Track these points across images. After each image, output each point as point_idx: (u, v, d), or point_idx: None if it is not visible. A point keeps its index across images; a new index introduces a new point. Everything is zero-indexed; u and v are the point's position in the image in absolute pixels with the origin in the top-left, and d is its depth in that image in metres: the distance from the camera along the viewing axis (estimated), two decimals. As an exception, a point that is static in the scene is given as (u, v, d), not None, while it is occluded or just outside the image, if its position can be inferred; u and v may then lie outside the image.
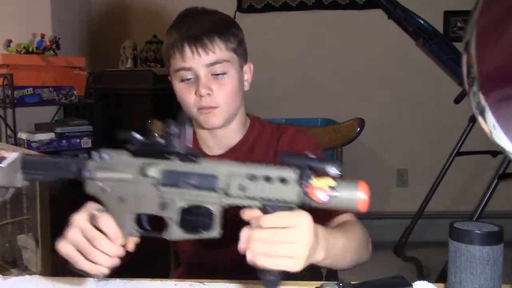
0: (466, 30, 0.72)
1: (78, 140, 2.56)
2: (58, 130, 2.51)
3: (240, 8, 3.31)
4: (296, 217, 0.71)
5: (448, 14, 3.27)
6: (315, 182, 0.70)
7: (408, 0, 3.09)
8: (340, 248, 0.84)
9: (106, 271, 0.78)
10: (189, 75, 1.10)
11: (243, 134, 1.19)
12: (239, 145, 1.18)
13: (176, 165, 0.75)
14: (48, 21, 2.77)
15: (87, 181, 0.77)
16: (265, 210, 0.72)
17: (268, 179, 0.71)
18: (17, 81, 2.35)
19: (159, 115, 2.76)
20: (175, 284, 0.95)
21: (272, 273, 0.72)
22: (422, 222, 3.14)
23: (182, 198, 0.75)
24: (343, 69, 3.35)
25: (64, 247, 0.78)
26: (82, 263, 0.78)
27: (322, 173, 0.70)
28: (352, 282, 0.84)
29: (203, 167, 0.75)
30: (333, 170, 0.69)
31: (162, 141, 0.75)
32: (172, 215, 0.76)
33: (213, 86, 1.09)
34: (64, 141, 2.51)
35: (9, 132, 2.43)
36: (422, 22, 3.03)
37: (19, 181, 0.79)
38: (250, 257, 0.71)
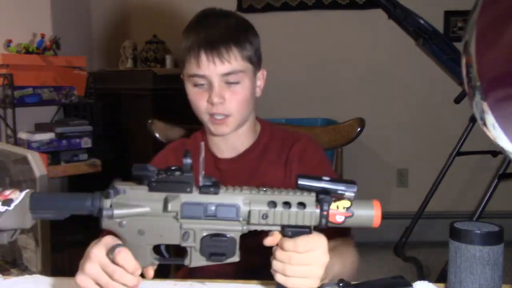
0: (466, 30, 0.72)
1: (78, 140, 2.55)
2: (58, 130, 2.51)
3: (240, 8, 3.31)
4: (314, 241, 0.76)
5: (448, 14, 3.27)
6: (333, 205, 0.74)
7: (408, 0, 3.09)
8: (336, 271, 0.91)
9: None
10: (202, 81, 1.10)
11: (254, 139, 1.20)
12: (250, 150, 1.19)
13: (195, 197, 0.75)
14: (48, 21, 2.77)
15: (103, 218, 0.75)
16: (284, 232, 0.76)
17: (287, 204, 0.75)
18: (17, 81, 2.35)
19: (159, 115, 2.77)
20: (175, 284, 0.95)
21: None
22: (422, 222, 3.14)
23: (203, 228, 0.76)
24: (343, 69, 3.35)
25: (84, 281, 0.78)
26: None
27: (337, 195, 0.74)
28: (352, 282, 0.84)
29: (223, 197, 0.76)
30: (348, 192, 0.74)
31: (178, 172, 0.75)
32: (193, 244, 0.76)
33: (225, 94, 1.09)
34: (64, 141, 2.51)
35: (9, 132, 2.43)
36: (422, 22, 3.03)
37: (29, 222, 0.75)
38: (271, 272, 0.78)
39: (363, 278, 0.90)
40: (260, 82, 1.19)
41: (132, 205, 0.75)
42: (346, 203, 0.75)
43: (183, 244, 0.77)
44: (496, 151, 2.87)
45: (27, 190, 0.77)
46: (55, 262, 2.39)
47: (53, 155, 2.46)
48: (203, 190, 0.76)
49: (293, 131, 1.28)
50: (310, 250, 0.76)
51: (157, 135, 1.46)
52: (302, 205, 0.75)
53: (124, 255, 0.76)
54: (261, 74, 1.19)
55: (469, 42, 0.70)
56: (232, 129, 1.13)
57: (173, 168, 0.75)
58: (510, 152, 0.71)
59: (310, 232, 0.76)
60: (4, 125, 2.45)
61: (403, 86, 3.35)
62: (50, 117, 2.76)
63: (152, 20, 3.36)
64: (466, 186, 3.36)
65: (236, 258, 0.77)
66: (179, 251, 0.80)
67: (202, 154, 0.76)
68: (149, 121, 1.47)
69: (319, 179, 0.75)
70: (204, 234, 0.76)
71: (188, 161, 0.74)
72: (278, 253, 0.77)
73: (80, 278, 0.78)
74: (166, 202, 0.75)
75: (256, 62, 1.14)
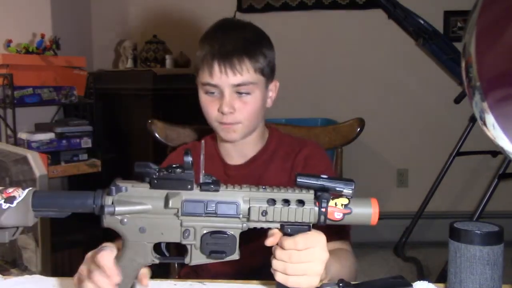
0: (466, 30, 0.72)
1: (78, 140, 2.56)
2: (58, 130, 2.51)
3: (240, 8, 3.31)
4: (313, 238, 0.77)
5: (448, 14, 3.27)
6: (331, 202, 0.76)
7: (408, 0, 3.09)
8: (334, 272, 0.92)
9: None
10: (214, 90, 1.12)
11: (263, 144, 1.23)
12: (258, 156, 1.21)
13: (196, 194, 0.76)
14: (48, 21, 2.77)
15: (105, 215, 0.76)
16: (283, 230, 0.77)
17: (286, 201, 0.76)
18: (17, 81, 2.35)
19: (159, 115, 2.77)
20: (175, 284, 0.95)
21: None
22: (422, 222, 3.14)
23: (203, 225, 0.77)
24: (343, 69, 3.35)
25: (74, 277, 0.83)
26: None
27: (335, 193, 0.76)
28: (352, 282, 0.84)
29: (223, 194, 0.77)
30: (346, 190, 0.75)
31: (179, 170, 0.76)
32: (193, 242, 0.77)
33: (236, 104, 1.11)
34: (64, 141, 2.51)
35: (9, 132, 2.43)
36: (422, 22, 3.03)
37: (31, 220, 0.75)
38: (271, 271, 0.79)
39: (363, 278, 0.90)
40: (272, 93, 1.21)
41: (134, 202, 0.76)
42: (344, 201, 0.76)
43: (184, 242, 0.77)
44: (496, 151, 2.87)
45: (30, 188, 0.77)
46: (55, 262, 2.40)
47: (53, 155, 2.46)
48: (203, 187, 0.76)
49: (300, 137, 1.31)
50: (310, 247, 0.76)
51: (156, 135, 1.46)
52: (301, 202, 0.76)
53: (103, 254, 0.76)
54: (274, 86, 1.21)
55: (469, 42, 0.70)
56: (241, 137, 1.16)
57: (174, 165, 0.76)
58: (510, 152, 0.71)
59: (309, 230, 0.77)
60: (4, 125, 2.45)
61: (403, 86, 3.35)
62: (50, 117, 2.76)
63: (152, 20, 3.36)
64: (466, 186, 3.36)
65: (236, 256, 0.78)
66: (180, 251, 0.80)
67: (203, 153, 0.76)
68: (149, 121, 1.47)
69: (317, 177, 0.76)
70: (205, 231, 0.77)
71: (188, 159, 0.75)
72: (278, 252, 0.78)
73: (74, 276, 0.83)
74: (167, 199, 0.75)
75: (268, 74, 1.16)
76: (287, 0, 3.31)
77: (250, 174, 1.19)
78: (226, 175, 1.20)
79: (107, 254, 0.76)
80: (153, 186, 0.76)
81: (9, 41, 2.50)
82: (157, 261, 0.79)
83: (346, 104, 3.29)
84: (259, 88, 1.14)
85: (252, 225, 0.77)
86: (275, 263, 0.78)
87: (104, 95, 2.85)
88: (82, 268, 0.80)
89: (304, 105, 3.26)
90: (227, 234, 0.77)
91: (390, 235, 3.24)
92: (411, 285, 0.84)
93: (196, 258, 0.78)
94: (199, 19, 3.29)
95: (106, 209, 0.75)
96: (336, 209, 0.76)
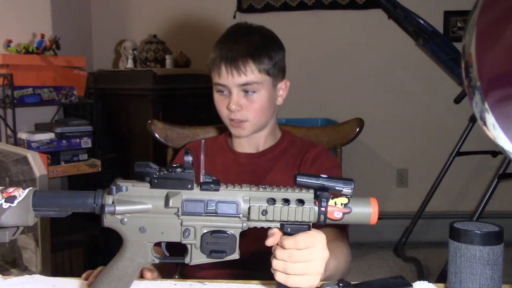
0: (466, 30, 0.72)
1: (78, 140, 2.55)
2: (58, 130, 2.51)
3: (240, 8, 3.31)
4: (313, 237, 0.77)
5: (448, 14, 3.27)
6: (331, 201, 0.76)
7: (408, 0, 3.09)
8: (332, 267, 0.93)
9: None
10: (223, 89, 1.23)
11: (274, 142, 1.31)
12: (269, 150, 1.29)
13: (196, 193, 0.77)
14: (48, 21, 2.77)
15: (105, 214, 0.76)
16: (283, 229, 0.78)
17: (286, 201, 0.76)
18: (17, 81, 2.35)
19: (159, 115, 2.77)
20: (175, 284, 0.95)
21: None
22: (422, 222, 3.14)
23: (203, 224, 0.77)
24: (343, 69, 3.35)
25: None
26: None
27: (335, 192, 0.76)
28: (352, 282, 0.84)
29: (223, 194, 0.77)
30: (345, 189, 0.75)
31: (180, 169, 0.76)
32: (193, 241, 0.77)
33: (243, 102, 1.21)
34: (64, 141, 2.51)
35: (9, 132, 2.43)
36: (422, 22, 3.03)
37: (31, 219, 0.75)
38: (271, 271, 0.79)
39: (363, 278, 0.90)
40: (282, 92, 1.29)
41: (134, 201, 0.76)
42: (344, 200, 0.76)
43: (184, 241, 0.77)
44: (496, 151, 2.87)
45: (30, 188, 0.77)
46: (55, 262, 2.40)
47: (53, 155, 2.46)
48: (203, 187, 0.77)
49: (311, 140, 1.37)
50: (310, 246, 0.77)
51: (156, 135, 1.47)
52: (301, 201, 0.76)
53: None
54: (284, 84, 1.30)
55: (469, 42, 0.70)
56: (249, 133, 1.24)
57: (174, 165, 0.76)
58: (510, 152, 0.71)
59: (309, 229, 0.77)
60: (4, 125, 2.45)
61: (403, 86, 3.35)
62: (50, 117, 2.76)
63: (152, 20, 3.36)
64: (466, 186, 3.36)
65: (236, 256, 0.78)
66: (181, 252, 0.80)
67: (202, 153, 0.76)
68: (149, 121, 1.47)
69: (317, 176, 0.76)
70: (205, 231, 0.77)
71: (189, 158, 0.76)
72: (278, 252, 0.78)
73: None
74: (167, 198, 0.75)
75: (275, 74, 1.24)
76: (287, 0, 3.31)
77: (260, 165, 1.26)
78: (236, 163, 1.28)
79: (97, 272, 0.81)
80: (153, 185, 0.76)
81: (9, 41, 2.50)
82: (157, 261, 0.79)
83: (346, 104, 3.29)
84: (265, 87, 1.22)
85: (252, 224, 0.78)
86: (275, 263, 0.78)
87: (104, 95, 2.85)
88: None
89: (304, 105, 3.26)
90: (227, 234, 0.77)
91: (390, 235, 3.24)
92: (411, 285, 0.84)
93: (196, 257, 0.78)
94: (199, 19, 3.29)
95: (107, 209, 0.75)
96: (335, 208, 0.76)
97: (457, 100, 2.86)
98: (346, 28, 3.33)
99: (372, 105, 3.33)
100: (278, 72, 1.25)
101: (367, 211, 0.77)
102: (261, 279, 0.94)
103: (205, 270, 1.20)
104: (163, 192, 0.76)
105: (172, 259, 0.80)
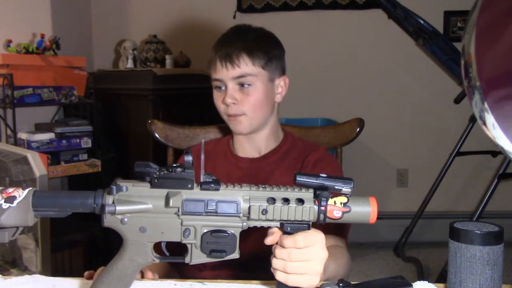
0: (466, 30, 0.72)
1: (78, 140, 2.55)
2: (58, 130, 2.51)
3: (240, 8, 3.31)
4: (312, 236, 0.77)
5: (448, 14, 3.27)
6: (330, 201, 0.76)
7: (408, 0, 3.09)
8: (332, 271, 0.95)
9: None
10: (220, 84, 1.24)
11: (276, 144, 1.30)
12: (271, 153, 1.29)
13: (196, 193, 0.77)
14: (48, 21, 2.77)
15: (105, 214, 0.76)
16: (283, 228, 0.78)
17: (286, 200, 0.76)
18: (17, 81, 2.35)
19: (159, 115, 2.77)
20: (175, 284, 0.95)
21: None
22: (422, 222, 3.14)
23: (203, 224, 0.77)
24: (343, 69, 3.35)
25: None
26: None
27: (335, 191, 0.76)
28: (352, 282, 0.84)
29: (223, 193, 0.77)
30: (345, 188, 0.76)
31: (180, 169, 0.76)
32: (193, 241, 0.77)
33: (238, 95, 1.22)
34: (64, 141, 2.51)
35: (9, 132, 2.43)
36: (422, 22, 3.03)
37: (31, 220, 0.75)
38: (271, 270, 0.79)
39: (363, 278, 0.90)
40: (281, 89, 1.29)
41: (134, 201, 0.76)
42: (343, 199, 0.77)
43: (184, 241, 0.77)
44: (496, 151, 2.87)
45: (30, 188, 0.76)
46: (55, 262, 2.40)
47: (53, 155, 2.46)
48: (204, 186, 0.77)
49: (313, 142, 1.37)
50: (309, 246, 0.77)
51: (156, 135, 1.47)
52: (300, 201, 0.76)
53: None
54: (283, 81, 1.29)
55: (469, 42, 0.70)
56: (248, 128, 1.24)
57: (174, 165, 0.77)
58: (510, 152, 0.71)
59: (308, 228, 0.78)
60: (4, 125, 2.45)
61: (403, 86, 3.35)
62: (50, 117, 2.76)
63: (152, 20, 3.36)
64: (466, 186, 3.36)
65: (236, 255, 0.78)
66: (181, 251, 0.80)
67: (203, 152, 0.76)
68: (149, 121, 1.47)
69: (316, 176, 0.76)
70: (205, 230, 0.77)
71: (189, 158, 0.76)
72: (278, 251, 0.78)
73: None
74: (167, 198, 0.75)
75: (272, 69, 1.24)
76: (287, 0, 3.31)
77: (262, 169, 1.26)
78: (238, 167, 1.27)
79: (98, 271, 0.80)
80: (153, 185, 0.76)
81: (9, 41, 2.50)
82: (157, 261, 0.79)
83: (346, 104, 3.29)
84: (261, 80, 1.22)
85: (252, 224, 0.78)
86: (275, 262, 0.79)
87: (104, 95, 2.85)
88: None
89: (304, 105, 3.26)
90: (228, 233, 0.77)
91: (390, 235, 3.24)
92: (411, 285, 0.84)
93: (197, 257, 0.78)
94: (199, 19, 3.29)
95: (107, 209, 0.75)
96: (335, 208, 0.76)
97: (457, 100, 2.86)
98: (346, 28, 3.33)
99: (372, 105, 3.33)
100: (275, 68, 1.25)
101: (366, 210, 0.77)
102: (261, 279, 0.94)
103: (205, 271, 1.21)
104: (163, 192, 0.76)
105: (172, 258, 0.80)
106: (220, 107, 1.25)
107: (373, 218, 0.77)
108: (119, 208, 0.75)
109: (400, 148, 3.41)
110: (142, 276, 0.98)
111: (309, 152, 1.28)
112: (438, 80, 3.33)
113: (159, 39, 3.15)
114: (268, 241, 0.79)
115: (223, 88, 1.23)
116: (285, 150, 1.29)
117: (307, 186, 0.77)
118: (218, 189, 0.77)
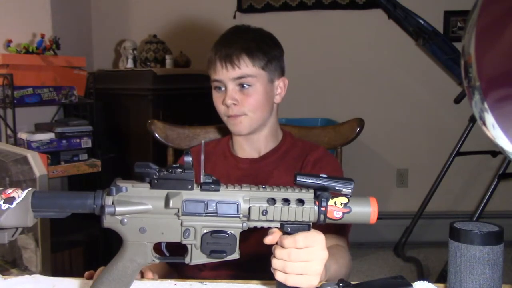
0: (466, 30, 0.72)
1: (78, 140, 2.55)
2: (58, 130, 2.51)
3: (240, 8, 3.31)
4: (312, 237, 0.77)
5: (448, 14, 3.27)
6: (330, 201, 0.76)
7: (408, 0, 3.09)
8: (333, 271, 0.94)
9: None
10: (220, 85, 1.24)
11: (276, 144, 1.30)
12: (271, 153, 1.29)
13: (196, 194, 0.76)
14: (48, 21, 2.77)
15: (105, 215, 0.76)
16: (283, 229, 0.78)
17: (286, 201, 0.76)
18: (17, 81, 2.35)
19: (159, 115, 2.77)
20: (175, 284, 0.95)
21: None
22: (422, 222, 3.14)
23: (203, 225, 0.77)
24: (343, 69, 3.35)
25: None
26: None
27: (335, 192, 0.76)
28: (352, 282, 0.84)
29: (223, 194, 0.77)
30: (345, 188, 0.76)
31: (180, 170, 0.76)
32: (193, 241, 0.77)
33: (238, 96, 1.22)
34: (64, 141, 2.51)
35: (9, 132, 2.43)
36: (422, 22, 3.03)
37: (30, 220, 0.75)
38: (271, 270, 0.79)
39: (363, 278, 0.90)
40: (280, 90, 1.29)
41: (134, 202, 0.76)
42: (344, 200, 0.77)
43: (184, 242, 0.77)
44: (496, 151, 2.87)
45: (29, 189, 0.76)
46: (55, 262, 2.40)
47: (53, 155, 2.46)
48: (204, 187, 0.77)
49: (313, 142, 1.36)
50: (309, 246, 0.77)
51: (156, 135, 1.47)
52: (300, 201, 0.76)
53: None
54: (282, 82, 1.29)
55: (469, 42, 0.70)
56: (247, 129, 1.23)
57: (174, 165, 0.76)
58: (510, 152, 0.71)
59: (308, 229, 0.78)
60: (4, 125, 2.45)
61: (403, 86, 3.35)
62: (50, 117, 2.76)
63: (152, 20, 3.36)
64: (466, 186, 3.36)
65: (236, 256, 0.78)
66: (180, 252, 0.80)
67: (202, 153, 0.76)
68: (149, 121, 1.47)
69: (317, 176, 0.76)
70: (205, 231, 0.77)
71: (189, 158, 0.75)
72: (278, 251, 0.78)
73: None
74: (167, 199, 0.75)
75: (271, 70, 1.25)
76: (287, 0, 3.31)
77: (262, 169, 1.26)
78: (237, 168, 1.27)
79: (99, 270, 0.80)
80: (153, 186, 0.76)
81: (9, 41, 2.50)
82: (157, 261, 0.79)
83: (346, 104, 3.29)
84: (260, 82, 1.22)
85: (253, 224, 0.77)
86: (275, 262, 0.79)
87: (104, 95, 2.85)
88: None
89: (304, 105, 3.26)
90: (228, 234, 0.77)
91: (390, 235, 3.24)
92: (411, 285, 0.84)
93: (197, 257, 0.78)
94: (199, 19, 3.29)
95: (107, 209, 0.74)
96: (335, 208, 0.76)
97: (457, 100, 2.86)
98: (346, 28, 3.33)
99: (372, 105, 3.33)
100: (274, 69, 1.25)
101: (366, 211, 0.77)
102: (261, 279, 0.94)
103: (205, 271, 1.21)
104: (163, 192, 0.76)
105: (172, 259, 0.80)
106: (220, 108, 1.25)
107: (373, 218, 0.77)
108: (118, 209, 0.75)
109: (400, 148, 3.41)
110: (142, 276, 0.98)
111: (308, 151, 1.27)
112: (438, 80, 3.33)
113: (159, 39, 3.15)
114: (267, 240, 0.79)
115: (223, 88, 1.23)
116: (284, 150, 1.29)
117: (307, 187, 0.77)
118: (218, 190, 0.77)
